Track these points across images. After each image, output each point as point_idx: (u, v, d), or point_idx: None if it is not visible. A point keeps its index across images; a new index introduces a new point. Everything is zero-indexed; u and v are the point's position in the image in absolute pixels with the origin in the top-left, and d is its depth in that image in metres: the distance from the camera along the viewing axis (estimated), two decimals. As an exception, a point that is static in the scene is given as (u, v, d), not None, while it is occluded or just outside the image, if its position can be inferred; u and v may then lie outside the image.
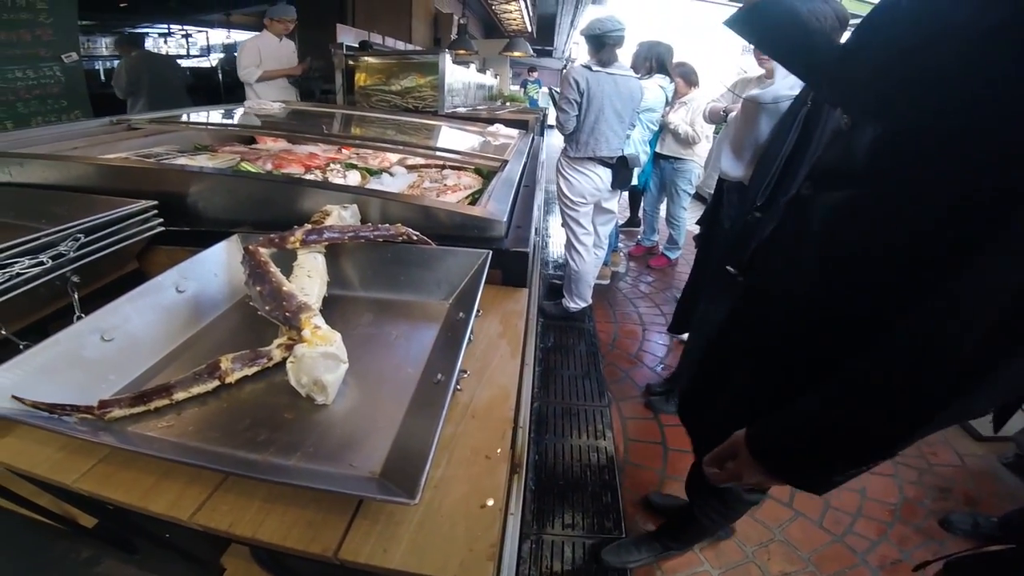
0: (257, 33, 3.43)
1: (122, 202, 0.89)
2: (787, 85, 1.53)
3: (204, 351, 0.66)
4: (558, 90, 2.67)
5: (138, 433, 0.52)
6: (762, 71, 2.06)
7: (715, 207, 1.94)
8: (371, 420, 0.56)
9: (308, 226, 0.76)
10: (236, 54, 3.43)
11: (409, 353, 0.69)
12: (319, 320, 0.60)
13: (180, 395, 0.55)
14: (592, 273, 2.81)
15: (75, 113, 2.99)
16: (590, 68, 2.38)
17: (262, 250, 0.70)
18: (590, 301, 2.86)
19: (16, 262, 0.72)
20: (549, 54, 12.83)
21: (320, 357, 0.55)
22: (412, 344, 0.71)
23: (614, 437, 2.05)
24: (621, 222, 4.68)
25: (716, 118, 2.29)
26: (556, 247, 4.20)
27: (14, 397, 0.51)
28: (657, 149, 3.60)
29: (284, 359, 0.59)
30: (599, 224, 2.78)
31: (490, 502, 0.48)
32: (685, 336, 2.69)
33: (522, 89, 7.24)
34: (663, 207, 4.08)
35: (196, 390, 0.56)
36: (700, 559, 1.51)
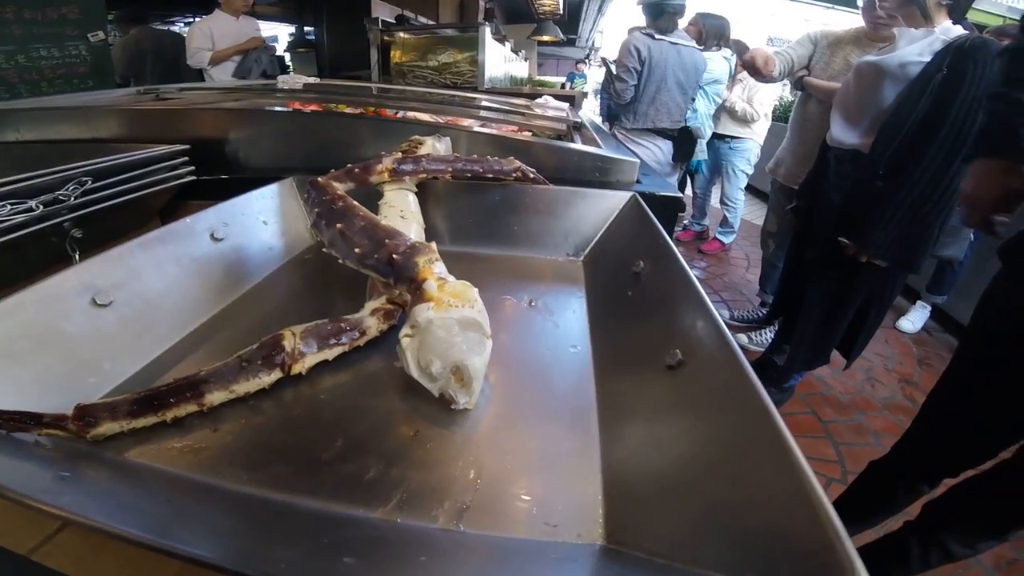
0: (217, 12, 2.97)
1: (145, 147, 0.69)
2: (914, 51, 1.43)
3: (251, 326, 0.42)
4: (613, 60, 2.47)
5: (145, 465, 0.29)
6: (853, 28, 1.87)
7: (817, 178, 1.74)
8: (543, 434, 0.32)
9: (398, 154, 0.52)
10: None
11: (557, 326, 0.45)
12: (442, 268, 0.35)
13: (217, 396, 0.31)
14: (653, 257, 2.57)
15: (101, 93, 2.86)
16: (652, 36, 2.19)
17: (336, 184, 0.47)
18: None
19: (-3, 207, 0.51)
20: (572, 43, 12.69)
21: (457, 325, 0.31)
22: (556, 315, 0.47)
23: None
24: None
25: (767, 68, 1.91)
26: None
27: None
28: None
29: (384, 332, 0.36)
30: (659, 203, 2.54)
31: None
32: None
33: (569, 84, 6.99)
34: (715, 190, 3.84)
35: (244, 388, 0.32)
36: None
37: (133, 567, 0.25)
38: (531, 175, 0.61)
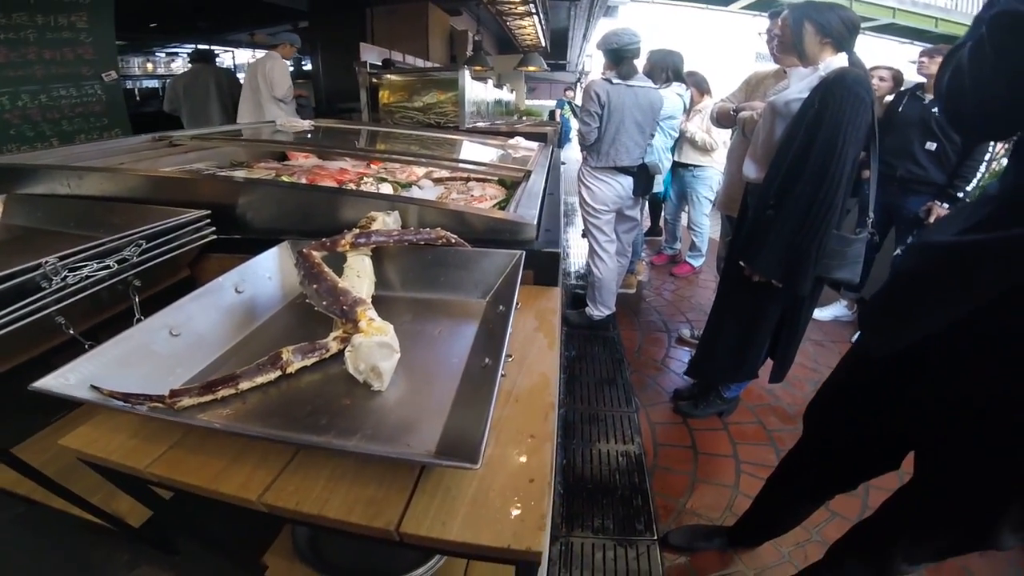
0: (273, 54, 3.54)
1: (177, 212, 0.95)
2: (797, 89, 1.56)
3: (262, 346, 0.69)
4: (579, 104, 2.69)
5: (208, 423, 0.56)
6: (776, 67, 2.05)
7: (742, 214, 1.93)
8: (422, 406, 0.58)
9: (356, 231, 0.80)
10: (270, 75, 3.48)
11: (452, 346, 0.72)
12: (373, 313, 0.63)
13: (245, 384, 0.58)
14: (615, 280, 2.81)
15: (115, 131, 3.11)
16: (610, 81, 2.39)
17: (315, 253, 0.74)
18: (614, 309, 2.86)
19: (85, 265, 0.77)
20: (563, 67, 12.95)
21: (376, 346, 0.58)
22: (454, 338, 0.74)
23: (643, 442, 2.03)
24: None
25: (726, 119, 2.17)
26: (578, 258, 4.19)
27: (92, 387, 0.54)
28: (675, 158, 3.60)
29: (340, 351, 0.63)
30: (622, 232, 2.79)
31: (537, 477, 0.51)
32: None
33: (559, 110, 7.24)
34: (684, 215, 4.07)
35: (259, 380, 0.59)
36: (735, 559, 1.49)
37: (206, 471, 0.51)
38: (452, 240, 0.88)
